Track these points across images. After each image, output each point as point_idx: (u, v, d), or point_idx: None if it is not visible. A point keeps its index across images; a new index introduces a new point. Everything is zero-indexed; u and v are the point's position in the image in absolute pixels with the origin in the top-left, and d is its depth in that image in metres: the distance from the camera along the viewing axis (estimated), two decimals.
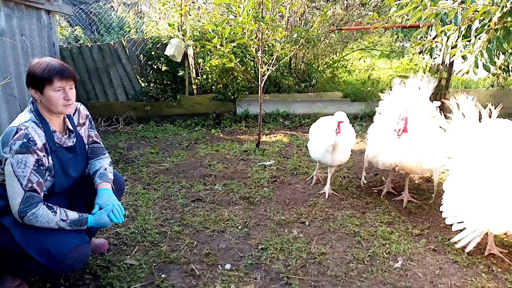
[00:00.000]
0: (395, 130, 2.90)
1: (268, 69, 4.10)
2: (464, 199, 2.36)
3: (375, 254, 2.43)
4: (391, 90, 3.35)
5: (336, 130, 2.95)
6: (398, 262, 2.36)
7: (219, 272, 2.25)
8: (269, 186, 3.40)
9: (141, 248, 2.46)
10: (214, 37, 3.85)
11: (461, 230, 2.38)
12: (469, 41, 2.70)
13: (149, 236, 2.58)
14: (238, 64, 4.87)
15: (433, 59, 5.52)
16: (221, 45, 3.89)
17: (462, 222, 2.37)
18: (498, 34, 2.46)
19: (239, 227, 2.73)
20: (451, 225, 2.43)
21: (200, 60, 5.41)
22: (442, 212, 2.51)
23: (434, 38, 3.16)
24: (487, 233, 2.41)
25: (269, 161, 3.97)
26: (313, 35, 5.11)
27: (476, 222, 2.27)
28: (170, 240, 2.56)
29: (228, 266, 2.30)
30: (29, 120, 1.82)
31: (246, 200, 3.15)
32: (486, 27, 2.57)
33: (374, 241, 2.57)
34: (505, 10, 2.36)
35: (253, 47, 4.01)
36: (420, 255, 2.44)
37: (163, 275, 2.21)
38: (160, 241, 2.54)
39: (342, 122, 2.91)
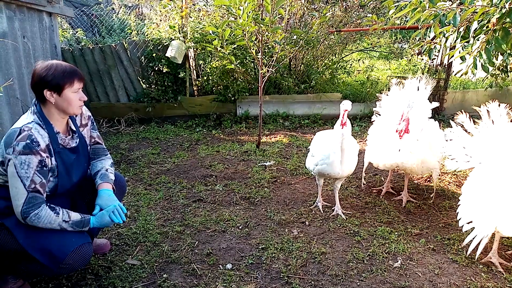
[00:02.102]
0: (396, 131, 2.90)
1: (268, 71, 4.12)
2: (480, 200, 2.33)
3: (374, 253, 2.45)
4: (389, 90, 3.37)
5: (341, 121, 2.65)
6: (397, 261, 2.38)
7: (220, 272, 2.27)
8: (269, 187, 3.42)
9: (143, 248, 2.48)
10: (215, 39, 3.87)
11: (471, 231, 2.35)
12: (468, 42, 2.72)
13: (151, 236, 2.60)
14: (238, 65, 4.90)
15: (432, 60, 5.55)
16: (222, 47, 3.91)
17: (472, 222, 2.34)
18: (497, 35, 2.48)
19: (240, 227, 2.75)
20: (462, 226, 2.39)
21: (201, 62, 5.43)
22: (458, 213, 2.47)
23: (432, 39, 3.18)
24: (493, 236, 2.41)
25: (269, 161, 3.99)
26: (312, 37, 5.14)
27: (486, 222, 2.24)
28: (172, 240, 2.58)
29: (229, 266, 2.32)
30: (32, 121, 1.83)
31: (247, 200, 3.17)
32: (484, 28, 2.58)
33: (374, 241, 2.59)
34: (503, 11, 2.37)
35: (253, 49, 4.03)
36: (420, 255, 2.46)
37: (164, 275, 2.23)
38: (161, 241, 2.56)
39: (347, 110, 2.65)
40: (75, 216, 1.89)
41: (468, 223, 2.37)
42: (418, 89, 3.18)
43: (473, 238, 2.31)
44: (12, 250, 1.86)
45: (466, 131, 2.63)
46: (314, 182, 3.53)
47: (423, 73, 5.14)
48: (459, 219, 2.44)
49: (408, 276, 2.26)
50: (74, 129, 2.02)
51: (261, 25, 3.73)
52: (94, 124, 2.21)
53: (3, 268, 1.99)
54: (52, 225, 1.82)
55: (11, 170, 1.75)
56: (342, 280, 2.21)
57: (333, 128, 2.77)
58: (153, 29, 5.50)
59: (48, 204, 1.84)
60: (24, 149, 1.73)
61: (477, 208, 2.34)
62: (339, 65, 6.19)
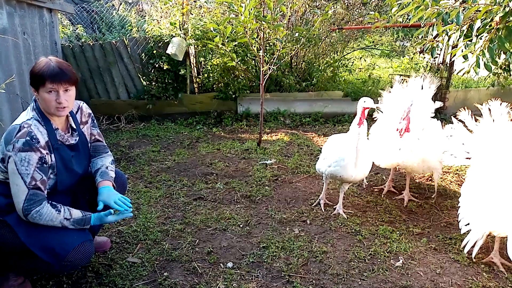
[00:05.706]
0: (397, 130, 2.89)
1: (269, 68, 4.10)
2: (475, 200, 2.33)
3: (376, 253, 2.44)
4: (391, 88, 3.35)
5: (360, 119, 2.55)
6: (399, 261, 2.37)
7: (221, 270, 2.26)
8: (270, 185, 3.41)
9: (143, 246, 2.47)
10: (216, 36, 3.85)
11: (467, 233, 2.35)
12: (470, 40, 2.71)
13: (151, 234, 2.59)
14: (239, 63, 4.87)
15: (434, 58, 5.53)
16: (223, 44, 3.89)
17: (469, 224, 2.34)
18: (500, 33, 2.47)
19: (241, 226, 2.74)
20: (462, 228, 2.39)
21: (202, 59, 5.41)
22: (458, 214, 2.47)
23: (435, 38, 3.16)
24: (494, 237, 2.40)
25: (270, 159, 3.98)
26: (314, 34, 5.12)
27: (479, 223, 2.25)
28: (172, 238, 2.58)
29: (230, 264, 2.32)
30: (31, 118, 1.82)
31: (248, 198, 3.16)
32: (488, 26, 2.57)
33: (375, 240, 2.58)
34: (507, 9, 2.36)
35: (254, 46, 4.01)
36: (421, 254, 2.45)
37: (165, 273, 2.22)
38: (162, 239, 2.55)
39: (368, 108, 2.54)
40: (76, 213, 1.88)
41: (466, 225, 2.37)
42: (422, 88, 3.16)
43: (468, 241, 2.32)
44: (13, 247, 1.86)
45: (467, 128, 2.63)
46: (315, 181, 3.52)
47: (425, 71, 5.12)
48: (459, 221, 2.45)
49: (409, 275, 2.25)
50: (74, 126, 2.01)
51: (263, 23, 3.71)
52: (95, 121, 2.19)
53: (4, 265, 1.98)
54: (54, 222, 1.81)
55: (12, 167, 1.74)
56: (343, 279, 2.20)
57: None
58: (154, 26, 5.47)
59: (50, 201, 1.83)
60: (23, 146, 1.73)
61: (472, 208, 2.34)
62: (341, 63, 6.18)
